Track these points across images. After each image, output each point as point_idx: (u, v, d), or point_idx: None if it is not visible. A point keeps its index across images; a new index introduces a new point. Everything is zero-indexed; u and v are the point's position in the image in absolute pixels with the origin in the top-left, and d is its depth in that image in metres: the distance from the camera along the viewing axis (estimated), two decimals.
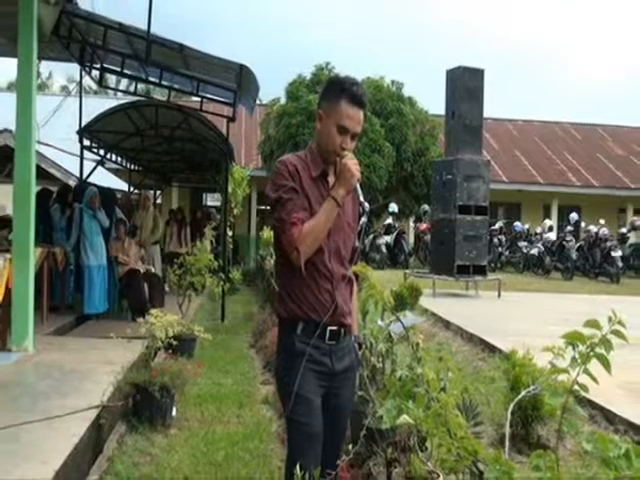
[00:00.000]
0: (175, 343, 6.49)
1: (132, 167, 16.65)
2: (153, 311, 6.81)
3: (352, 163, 2.77)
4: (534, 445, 4.63)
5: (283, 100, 22.39)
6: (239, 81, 10.61)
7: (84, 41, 9.88)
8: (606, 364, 1.92)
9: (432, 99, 24.73)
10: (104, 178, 16.00)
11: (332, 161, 2.83)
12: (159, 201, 19.60)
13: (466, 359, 7.60)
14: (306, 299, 2.79)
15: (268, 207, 2.90)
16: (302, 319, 2.79)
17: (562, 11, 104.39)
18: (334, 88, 2.85)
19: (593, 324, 1.92)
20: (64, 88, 43.60)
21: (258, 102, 15.28)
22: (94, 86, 30.95)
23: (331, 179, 2.86)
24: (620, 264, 18.17)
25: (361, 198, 2.92)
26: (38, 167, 8.43)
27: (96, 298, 9.89)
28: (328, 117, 2.81)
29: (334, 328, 2.81)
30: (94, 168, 12.62)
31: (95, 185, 11.01)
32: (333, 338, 2.82)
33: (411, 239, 22.82)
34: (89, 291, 9.83)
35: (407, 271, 15.16)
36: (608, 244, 18.62)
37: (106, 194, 11.44)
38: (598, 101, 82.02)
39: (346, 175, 2.76)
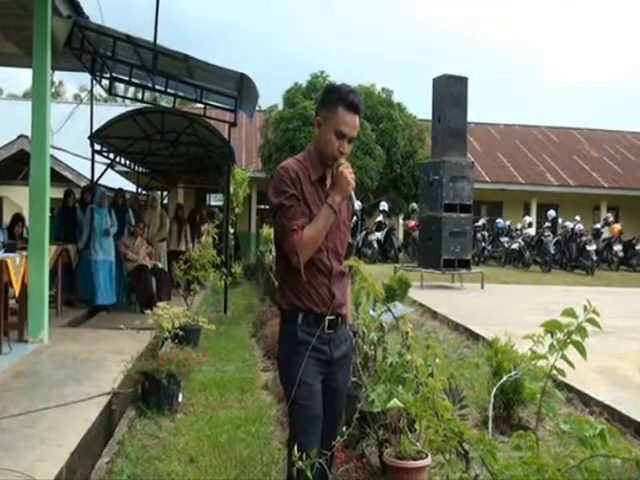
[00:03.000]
0: (181, 333, 6.47)
1: (140, 170, 16.60)
2: (160, 304, 6.81)
3: (347, 172, 2.77)
4: (515, 426, 4.64)
5: (281, 106, 22.33)
6: (240, 89, 10.59)
7: (95, 52, 9.84)
8: (582, 350, 1.93)
9: (420, 105, 24.76)
10: (114, 180, 15.97)
11: (330, 165, 2.82)
12: (165, 201, 19.53)
13: (452, 347, 7.61)
14: (307, 293, 2.79)
15: (268, 207, 2.89)
16: (302, 311, 2.79)
17: (541, 18, 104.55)
18: (331, 96, 2.84)
19: (570, 313, 1.93)
20: (76, 96, 43.51)
21: (257, 108, 15.22)
22: (104, 94, 30.83)
23: (329, 182, 2.86)
24: (594, 257, 18.20)
25: (355, 206, 2.92)
26: (52, 170, 8.40)
27: (103, 291, 9.88)
28: (326, 123, 2.80)
29: (332, 318, 2.82)
30: (104, 171, 12.59)
31: (106, 187, 11.01)
32: (331, 327, 2.83)
33: (401, 235, 22.80)
34: (96, 284, 9.83)
35: (397, 265, 15.17)
36: (583, 239, 18.65)
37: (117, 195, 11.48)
38: (575, 105, 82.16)
39: (342, 183, 2.76)
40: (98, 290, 9.85)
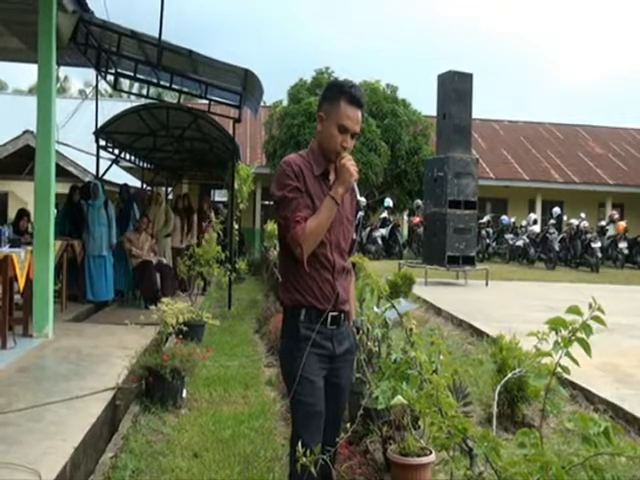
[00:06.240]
0: (185, 329, 6.49)
1: (145, 165, 16.61)
2: (164, 299, 6.82)
3: (350, 164, 2.76)
4: (519, 424, 4.63)
5: (285, 102, 22.34)
6: (244, 84, 10.59)
7: (100, 48, 9.85)
8: (586, 347, 1.92)
9: (424, 101, 24.71)
10: (119, 176, 15.99)
11: (333, 159, 2.82)
12: (170, 197, 19.56)
13: (456, 343, 7.60)
14: (310, 289, 2.78)
15: (272, 203, 2.88)
16: (305, 307, 2.79)
17: (544, 14, 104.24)
18: (334, 90, 2.84)
19: (574, 310, 1.92)
20: (81, 92, 43.53)
21: (262, 104, 15.22)
22: (109, 90, 30.88)
23: (332, 177, 2.85)
24: (599, 255, 18.17)
25: (358, 197, 2.92)
26: (57, 165, 8.41)
27: (95, 286, 9.87)
28: (329, 118, 2.80)
29: (335, 314, 2.81)
30: (109, 166, 12.60)
31: (111, 182, 11.02)
32: (334, 323, 2.82)
33: (405, 232, 22.80)
34: (88, 280, 9.84)
35: (401, 261, 15.15)
36: (588, 236, 18.62)
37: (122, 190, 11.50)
38: (578, 101, 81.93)
39: (345, 175, 2.75)
40: (87, 285, 9.85)
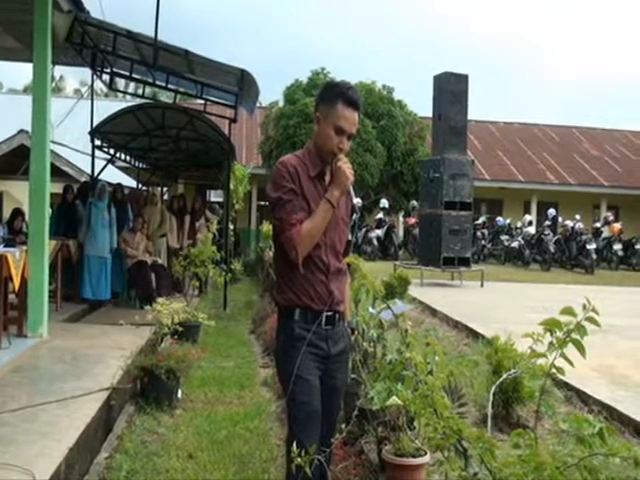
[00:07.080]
0: (180, 329, 6.49)
1: (140, 165, 16.58)
2: (160, 299, 6.81)
3: (346, 167, 2.77)
4: (514, 425, 4.63)
5: (281, 103, 22.36)
6: (240, 85, 10.59)
7: (95, 47, 9.83)
8: (581, 348, 1.93)
9: (420, 102, 24.73)
10: (114, 176, 15.96)
11: (329, 161, 2.82)
12: (165, 197, 19.53)
13: (451, 344, 7.61)
14: (304, 289, 2.79)
15: (268, 204, 2.89)
16: (299, 307, 2.79)
17: (538, 15, 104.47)
18: (331, 92, 2.85)
19: (569, 312, 1.92)
20: (77, 91, 43.41)
21: (258, 105, 15.22)
22: (105, 89, 30.85)
23: (327, 178, 2.86)
24: (594, 256, 18.20)
25: (354, 201, 2.92)
26: (52, 165, 8.38)
27: (94, 285, 9.86)
28: (325, 119, 2.81)
29: (329, 314, 2.82)
30: (104, 166, 12.58)
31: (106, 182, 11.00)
32: (329, 323, 2.83)
33: (401, 233, 22.80)
34: (87, 278, 9.82)
35: (397, 262, 15.16)
36: (583, 238, 18.65)
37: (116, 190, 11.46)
38: (574, 101, 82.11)
39: (341, 178, 2.76)
40: (83, 283, 9.84)
